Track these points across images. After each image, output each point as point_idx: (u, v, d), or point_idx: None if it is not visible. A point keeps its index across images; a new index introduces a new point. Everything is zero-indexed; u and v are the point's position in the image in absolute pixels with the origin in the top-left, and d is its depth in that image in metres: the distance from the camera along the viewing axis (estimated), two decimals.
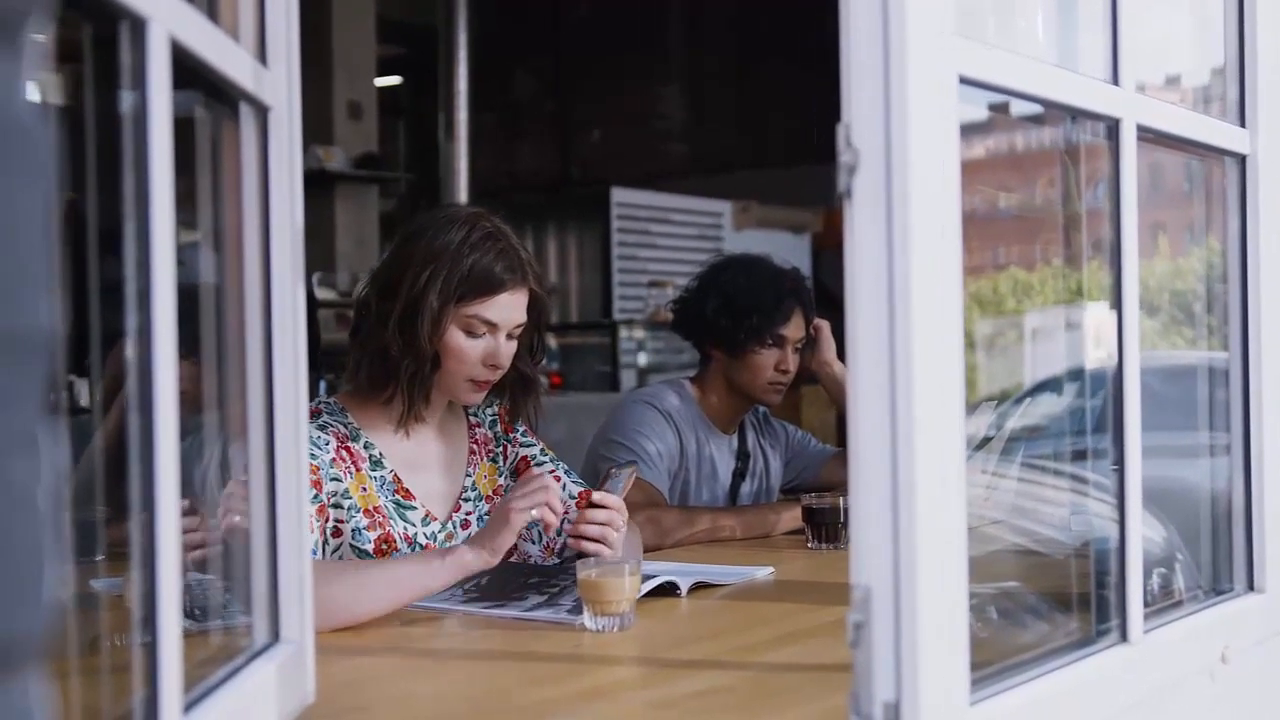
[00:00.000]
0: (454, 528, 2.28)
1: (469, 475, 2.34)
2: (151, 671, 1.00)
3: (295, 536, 1.38)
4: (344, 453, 2.17)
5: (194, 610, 1.32)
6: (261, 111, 1.34)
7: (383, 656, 1.79)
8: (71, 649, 1.11)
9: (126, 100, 1.00)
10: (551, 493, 2.00)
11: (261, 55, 1.34)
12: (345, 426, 2.21)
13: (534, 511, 1.98)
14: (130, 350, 1.00)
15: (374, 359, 2.19)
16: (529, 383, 2.34)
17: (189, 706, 1.08)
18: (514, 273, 2.19)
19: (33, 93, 0.57)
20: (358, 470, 2.18)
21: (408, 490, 2.23)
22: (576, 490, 2.38)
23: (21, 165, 0.54)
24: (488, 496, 2.34)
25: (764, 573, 2.33)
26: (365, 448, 2.21)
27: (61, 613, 0.59)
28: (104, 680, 1.19)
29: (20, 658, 0.56)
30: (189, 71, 1.10)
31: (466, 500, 2.32)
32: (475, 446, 2.37)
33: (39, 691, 0.59)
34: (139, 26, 0.99)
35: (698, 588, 2.16)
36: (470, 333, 2.18)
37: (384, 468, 2.22)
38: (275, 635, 1.36)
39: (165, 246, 1.00)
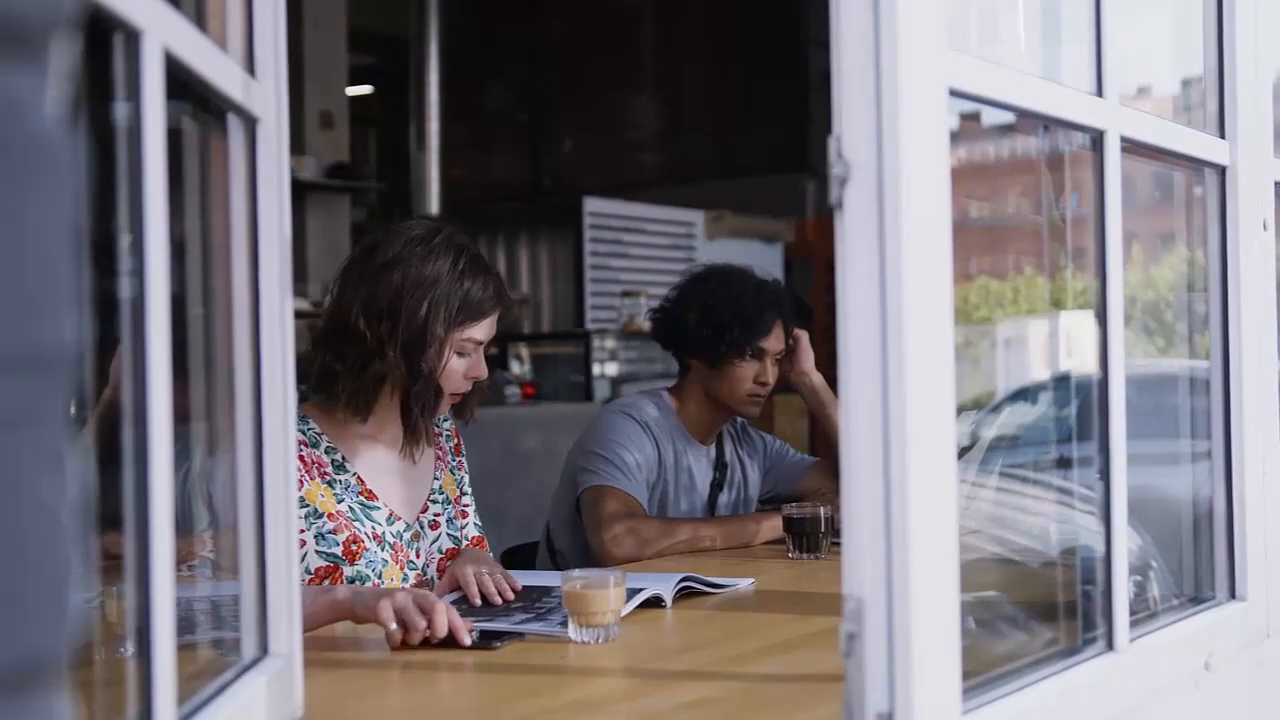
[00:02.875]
0: (421, 527, 2.34)
1: (436, 479, 2.40)
2: (145, 685, 0.99)
3: (283, 550, 1.37)
4: (299, 461, 2.19)
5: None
6: (250, 123, 1.33)
7: (370, 670, 1.78)
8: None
9: (120, 111, 0.99)
10: (431, 622, 1.82)
11: (250, 67, 1.33)
12: (304, 433, 2.24)
13: (393, 625, 1.81)
14: (124, 362, 0.99)
15: (372, 385, 2.23)
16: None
17: None
18: (501, 294, 2.29)
19: (57, 107, 0.57)
20: (312, 478, 2.21)
21: (371, 491, 2.27)
22: (473, 534, 2.44)
23: (48, 181, 0.54)
24: (454, 501, 2.42)
25: (746, 583, 2.33)
26: (327, 452, 2.26)
27: (83, 628, 0.59)
28: (94, 694, 1.18)
29: (48, 674, 0.56)
30: (178, 82, 1.10)
31: (435, 502, 2.38)
32: (440, 453, 2.43)
33: (64, 707, 0.58)
34: (133, 38, 0.98)
35: (684, 595, 2.16)
36: (461, 353, 2.26)
37: (348, 471, 2.26)
38: (264, 649, 1.35)
39: (159, 257, 1.00)
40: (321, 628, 1.93)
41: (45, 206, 0.55)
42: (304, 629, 1.95)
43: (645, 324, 3.16)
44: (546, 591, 2.17)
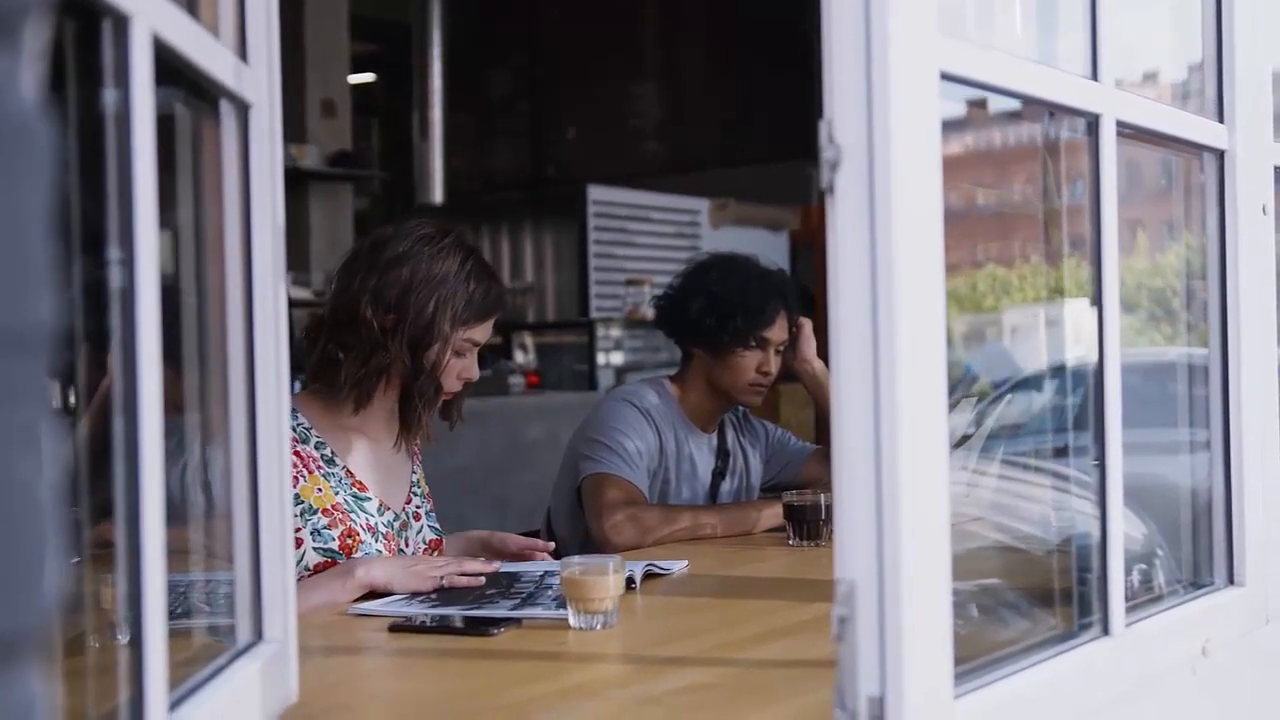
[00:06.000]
0: (407, 517, 2.38)
1: (414, 472, 2.45)
2: (137, 671, 0.99)
3: (278, 537, 1.37)
4: (294, 457, 2.20)
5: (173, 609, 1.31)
6: (242, 109, 1.33)
7: (365, 656, 1.78)
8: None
9: (109, 97, 0.99)
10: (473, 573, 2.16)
11: (242, 52, 1.33)
12: (294, 429, 2.25)
13: (444, 580, 2.12)
14: (114, 352, 0.99)
15: (373, 376, 2.26)
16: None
17: (174, 705, 1.08)
18: (501, 299, 2.33)
19: (32, 89, 0.57)
20: (310, 472, 2.23)
21: (361, 483, 2.30)
22: (430, 536, 2.45)
23: (24, 162, 0.55)
24: (427, 495, 2.47)
25: (680, 565, 2.36)
26: (316, 447, 2.28)
27: (61, 608, 0.59)
28: (85, 680, 1.18)
29: (24, 652, 0.56)
30: (169, 68, 1.10)
31: (416, 494, 2.43)
32: (415, 450, 2.47)
33: (40, 686, 0.59)
34: (121, 24, 0.98)
35: (648, 577, 2.21)
36: (459, 353, 2.29)
37: (337, 465, 2.28)
38: (258, 634, 1.36)
39: (149, 246, 1.00)
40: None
41: (20, 187, 0.55)
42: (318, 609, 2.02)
43: (649, 313, 3.16)
44: (516, 578, 2.20)
